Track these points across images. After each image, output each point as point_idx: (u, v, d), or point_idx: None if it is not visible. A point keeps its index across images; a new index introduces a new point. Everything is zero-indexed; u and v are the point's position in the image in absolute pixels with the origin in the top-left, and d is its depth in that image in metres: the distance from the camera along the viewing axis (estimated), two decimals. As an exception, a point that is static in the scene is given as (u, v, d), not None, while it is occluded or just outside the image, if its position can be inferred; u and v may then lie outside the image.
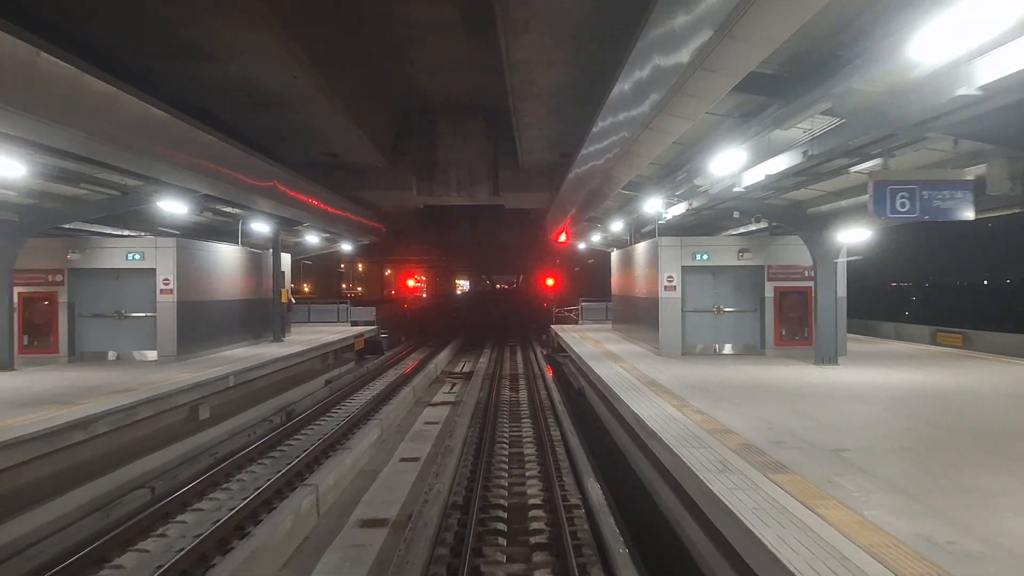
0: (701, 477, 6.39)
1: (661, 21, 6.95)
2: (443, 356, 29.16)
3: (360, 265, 55.41)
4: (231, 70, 13.97)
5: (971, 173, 8.31)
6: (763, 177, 9.75)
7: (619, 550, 7.58)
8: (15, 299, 15.50)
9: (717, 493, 5.90)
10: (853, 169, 9.25)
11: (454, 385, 22.35)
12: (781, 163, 9.11)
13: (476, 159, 25.67)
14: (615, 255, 25.07)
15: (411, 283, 60.28)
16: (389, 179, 25.58)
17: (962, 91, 5.51)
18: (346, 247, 31.57)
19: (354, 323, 30.50)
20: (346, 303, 32.37)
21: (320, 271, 46.71)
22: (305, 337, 23.62)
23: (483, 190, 26.24)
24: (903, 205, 7.83)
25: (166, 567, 7.58)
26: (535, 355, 30.44)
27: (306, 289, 43.42)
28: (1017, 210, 8.71)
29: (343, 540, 8.90)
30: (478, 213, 36.64)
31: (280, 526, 8.44)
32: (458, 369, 26.77)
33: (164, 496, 10.09)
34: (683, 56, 6.44)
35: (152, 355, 16.88)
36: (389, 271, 60.91)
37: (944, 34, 4.75)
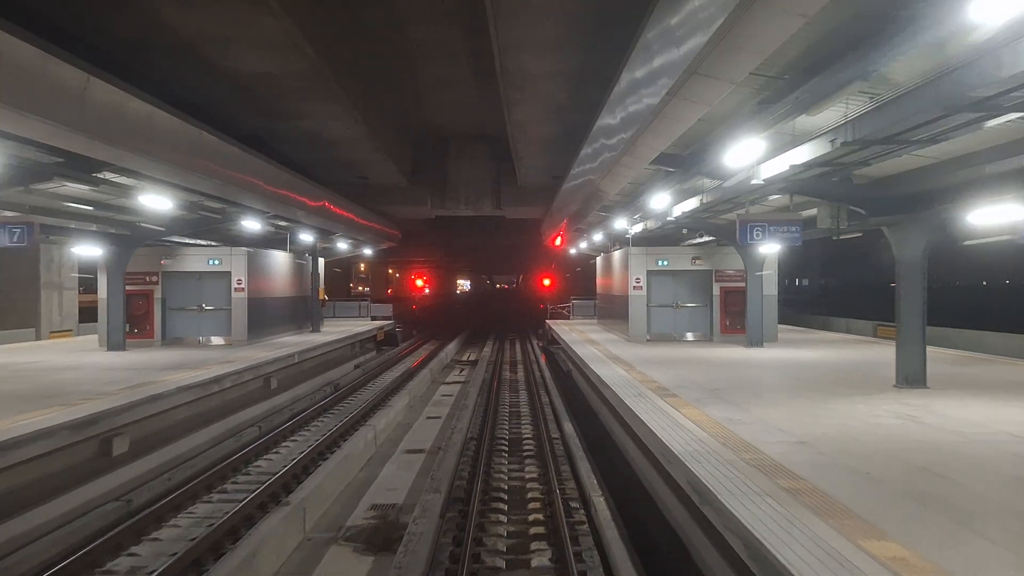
0: (623, 399, 10.79)
1: (604, 123, 11.36)
2: (451, 347, 33.07)
3: (363, 265, 59.04)
4: (302, 125, 18.49)
5: (806, 214, 12.74)
6: (681, 213, 14.27)
7: (579, 453, 11.98)
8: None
9: (629, 405, 10.29)
10: (729, 213, 13.76)
11: (463, 369, 26.51)
12: (691, 204, 13.59)
13: (481, 178, 29.98)
14: (599, 260, 29.30)
15: (419, 283, 64.17)
16: (408, 196, 30.03)
17: (755, 182, 9.90)
18: (367, 251, 35.91)
19: (373, 318, 34.83)
20: (366, 300, 36.69)
21: (330, 272, 50.69)
22: (336, 329, 27.96)
23: (487, 204, 30.55)
24: (758, 235, 12.13)
25: (289, 466, 11.94)
26: (532, 347, 34.53)
27: None
28: (836, 237, 13.14)
29: (396, 458, 13.22)
30: (481, 220, 39.97)
31: (356, 446, 12.79)
32: (465, 357, 30.97)
33: (267, 432, 14.47)
34: (618, 146, 10.84)
35: (221, 340, 21.27)
36: (391, 271, 64.49)
37: (735, 155, 9.12)
